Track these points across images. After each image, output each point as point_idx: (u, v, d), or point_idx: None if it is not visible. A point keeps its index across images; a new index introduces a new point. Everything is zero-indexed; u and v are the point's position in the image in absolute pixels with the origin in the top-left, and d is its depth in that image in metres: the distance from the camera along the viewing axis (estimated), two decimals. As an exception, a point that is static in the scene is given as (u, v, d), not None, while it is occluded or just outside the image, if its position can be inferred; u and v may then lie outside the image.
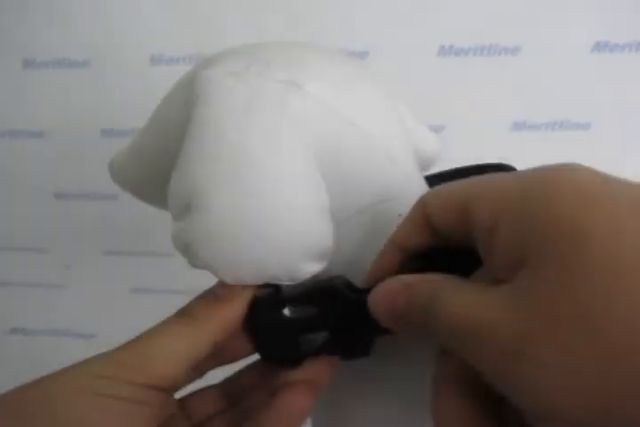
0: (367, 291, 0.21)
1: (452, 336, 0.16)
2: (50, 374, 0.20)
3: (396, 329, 0.19)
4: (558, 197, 0.14)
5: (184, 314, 0.22)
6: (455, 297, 0.17)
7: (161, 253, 0.61)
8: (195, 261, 0.20)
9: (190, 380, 0.24)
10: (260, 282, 0.21)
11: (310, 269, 0.21)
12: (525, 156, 0.62)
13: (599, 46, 0.57)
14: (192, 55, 0.62)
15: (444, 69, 0.60)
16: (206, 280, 0.22)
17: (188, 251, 0.20)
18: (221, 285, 0.22)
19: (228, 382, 0.26)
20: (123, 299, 0.62)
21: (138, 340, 0.21)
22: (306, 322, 0.22)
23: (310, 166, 0.21)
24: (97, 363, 0.20)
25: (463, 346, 0.16)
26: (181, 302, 0.24)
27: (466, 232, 0.18)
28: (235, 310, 0.22)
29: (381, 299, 0.19)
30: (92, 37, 0.64)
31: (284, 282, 0.21)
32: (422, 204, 0.20)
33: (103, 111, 0.66)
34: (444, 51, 0.60)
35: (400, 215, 0.21)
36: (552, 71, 0.58)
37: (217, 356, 0.23)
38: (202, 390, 0.26)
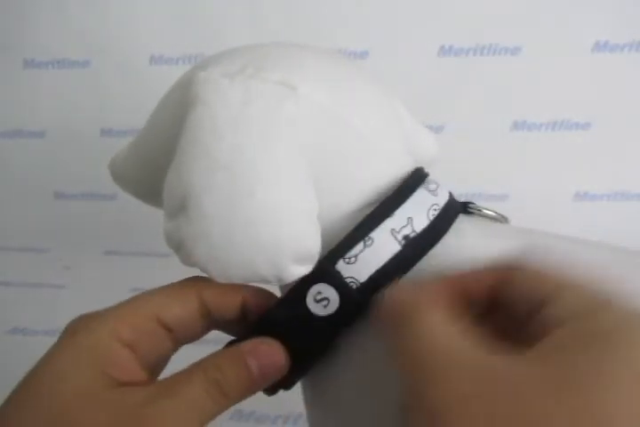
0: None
1: None
2: (56, 370, 0.19)
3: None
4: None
5: None
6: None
7: (161, 253, 0.61)
8: (187, 259, 0.21)
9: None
10: (249, 282, 0.21)
11: (297, 271, 0.21)
12: (525, 156, 0.63)
13: (599, 46, 0.57)
14: (192, 55, 0.62)
15: (443, 69, 0.60)
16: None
17: (181, 249, 0.21)
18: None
19: None
20: (123, 299, 0.62)
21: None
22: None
23: (302, 170, 0.21)
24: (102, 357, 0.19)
25: None
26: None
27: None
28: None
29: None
30: (92, 37, 0.64)
31: (272, 283, 0.21)
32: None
33: (103, 111, 0.66)
34: (444, 51, 0.60)
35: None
36: (552, 71, 0.58)
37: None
38: None
